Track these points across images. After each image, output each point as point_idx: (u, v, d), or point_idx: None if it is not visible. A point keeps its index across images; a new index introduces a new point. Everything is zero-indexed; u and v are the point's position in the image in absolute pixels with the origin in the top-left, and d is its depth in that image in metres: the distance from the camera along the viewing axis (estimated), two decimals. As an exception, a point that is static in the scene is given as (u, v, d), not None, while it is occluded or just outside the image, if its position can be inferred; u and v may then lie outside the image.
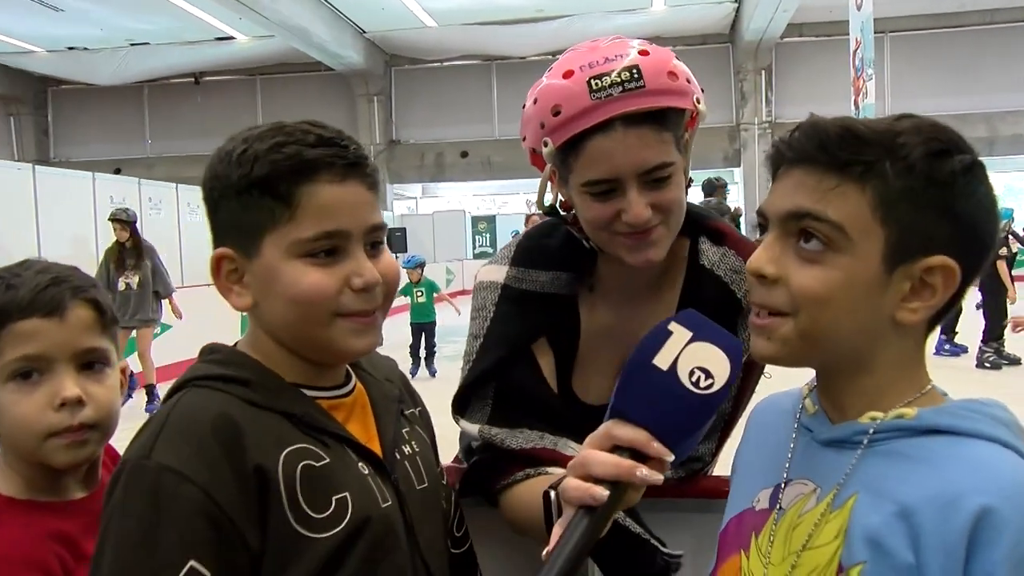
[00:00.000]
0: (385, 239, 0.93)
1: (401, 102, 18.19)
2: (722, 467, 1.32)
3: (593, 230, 1.11)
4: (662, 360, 0.76)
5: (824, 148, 0.75)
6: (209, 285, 0.95)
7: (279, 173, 0.85)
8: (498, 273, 1.22)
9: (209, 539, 0.78)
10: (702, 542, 1.22)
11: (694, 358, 0.77)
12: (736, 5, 15.02)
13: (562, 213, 1.19)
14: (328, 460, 0.87)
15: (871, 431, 0.76)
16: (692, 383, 0.76)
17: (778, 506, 0.82)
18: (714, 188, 7.51)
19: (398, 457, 0.97)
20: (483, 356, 1.18)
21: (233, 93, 18.26)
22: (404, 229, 17.27)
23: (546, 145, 1.06)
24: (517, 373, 1.17)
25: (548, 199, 1.18)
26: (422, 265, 8.68)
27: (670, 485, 1.21)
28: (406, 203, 21.38)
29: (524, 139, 1.13)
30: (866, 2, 9.34)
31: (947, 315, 0.79)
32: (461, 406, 1.19)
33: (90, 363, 1.04)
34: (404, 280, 9.03)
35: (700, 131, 1.16)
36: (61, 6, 13.71)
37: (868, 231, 0.74)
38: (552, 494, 0.87)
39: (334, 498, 0.85)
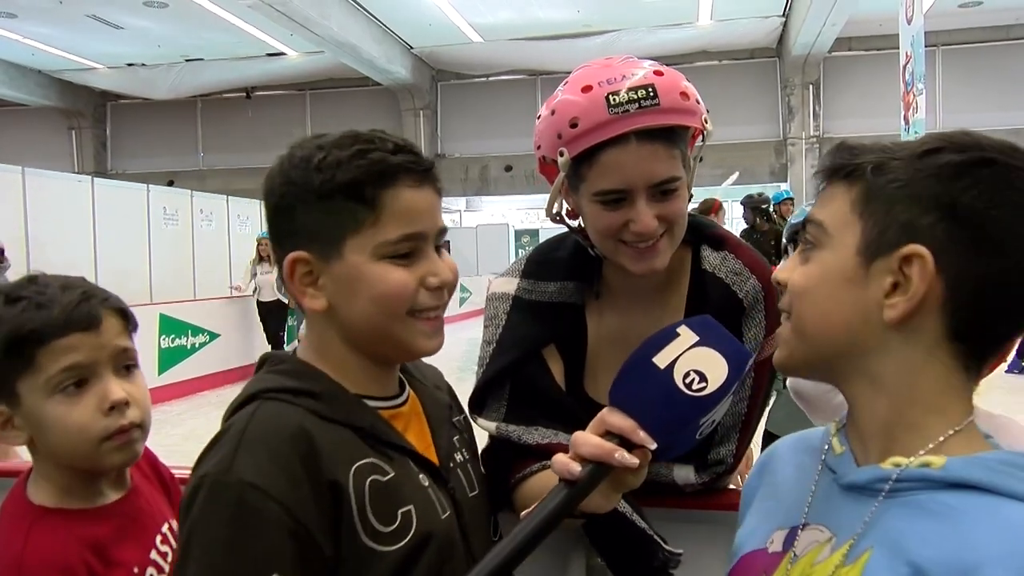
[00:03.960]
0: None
1: (447, 116, 18.34)
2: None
3: (601, 239, 1.17)
4: (662, 359, 0.81)
5: (831, 161, 0.78)
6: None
7: (364, 178, 0.88)
8: (509, 285, 1.28)
9: (291, 552, 0.81)
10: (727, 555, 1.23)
11: (693, 361, 0.81)
12: (784, 19, 14.86)
13: (569, 222, 1.25)
14: (393, 474, 0.89)
15: (893, 478, 0.70)
16: (685, 384, 0.80)
17: (792, 552, 0.78)
18: (752, 206, 6.97)
19: (452, 465, 1.00)
20: (497, 358, 1.23)
21: (283, 107, 18.59)
22: (448, 242, 17.21)
23: (562, 155, 1.12)
24: (530, 374, 1.22)
25: (555, 207, 1.23)
26: None
27: (696, 492, 1.24)
28: (450, 216, 21.55)
29: (539, 148, 1.18)
30: (917, 16, 9.17)
31: (976, 326, 0.71)
32: (478, 405, 1.23)
33: (126, 365, 1.08)
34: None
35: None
36: (121, 24, 14.16)
37: (846, 225, 0.75)
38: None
39: (399, 511, 0.88)
